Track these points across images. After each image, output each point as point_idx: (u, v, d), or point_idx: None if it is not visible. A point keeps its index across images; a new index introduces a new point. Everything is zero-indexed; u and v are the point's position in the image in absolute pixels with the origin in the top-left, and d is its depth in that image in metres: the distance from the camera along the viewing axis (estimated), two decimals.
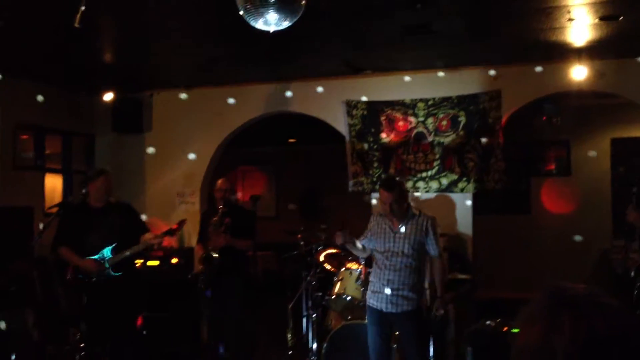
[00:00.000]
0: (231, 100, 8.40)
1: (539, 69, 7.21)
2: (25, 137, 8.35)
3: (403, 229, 5.06)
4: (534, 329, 1.43)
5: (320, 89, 8.05)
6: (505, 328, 5.06)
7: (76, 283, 5.62)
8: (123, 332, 5.61)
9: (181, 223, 5.93)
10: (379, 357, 5.09)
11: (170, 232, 5.78)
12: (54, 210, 6.08)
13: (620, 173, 9.78)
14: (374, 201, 7.74)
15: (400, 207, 5.06)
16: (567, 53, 6.81)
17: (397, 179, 5.33)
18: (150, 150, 8.60)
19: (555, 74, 7.19)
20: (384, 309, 5.02)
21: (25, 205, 7.39)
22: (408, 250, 5.01)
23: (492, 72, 7.41)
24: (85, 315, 5.78)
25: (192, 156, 8.61)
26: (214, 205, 6.69)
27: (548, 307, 1.44)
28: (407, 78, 7.77)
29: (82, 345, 5.85)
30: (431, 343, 5.87)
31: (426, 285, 5.38)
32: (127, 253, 5.54)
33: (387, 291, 4.99)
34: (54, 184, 8.74)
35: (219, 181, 6.72)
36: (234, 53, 7.03)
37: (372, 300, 5.13)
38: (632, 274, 4.81)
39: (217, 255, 6.18)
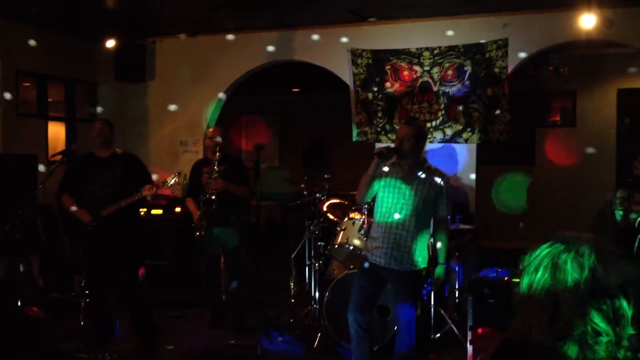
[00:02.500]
0: (234, 47, 8.30)
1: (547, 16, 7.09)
2: (27, 84, 8.30)
3: (415, 181, 4.68)
4: (537, 277, 1.44)
5: (324, 37, 7.95)
6: (507, 278, 5.10)
7: (76, 230, 5.65)
8: (123, 282, 5.64)
9: (177, 176, 5.95)
10: (359, 312, 4.75)
11: (163, 184, 5.78)
12: (57, 158, 6.09)
13: (626, 124, 9.72)
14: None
15: (411, 149, 4.64)
16: (576, 0, 6.68)
17: (420, 123, 4.92)
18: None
19: (564, 22, 7.07)
20: (383, 264, 4.66)
21: (28, 153, 7.38)
22: (418, 204, 4.63)
23: (500, 20, 7.28)
24: (86, 262, 5.83)
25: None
26: (205, 154, 6.72)
27: (551, 254, 1.44)
28: (413, 26, 7.65)
29: (87, 292, 5.92)
30: (432, 293, 5.92)
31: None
32: (122, 203, 5.52)
33: (389, 244, 4.66)
34: (57, 132, 8.73)
35: (210, 129, 6.74)
36: None
37: (370, 255, 4.77)
38: (637, 223, 4.78)
39: (214, 198, 6.22)
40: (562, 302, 1.38)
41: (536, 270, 1.44)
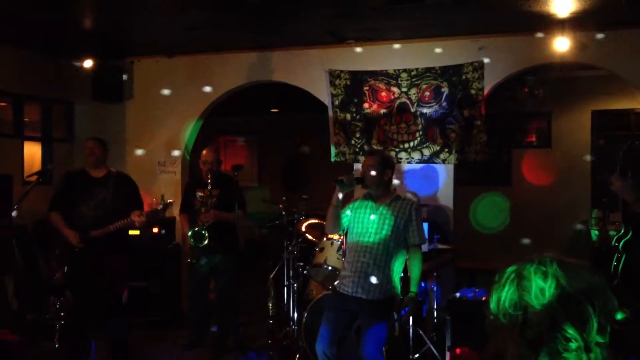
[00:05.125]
0: (212, 68, 8.32)
1: (522, 39, 7.20)
2: (3, 104, 8.23)
3: (383, 210, 4.71)
4: (504, 291, 1.47)
5: (303, 58, 7.99)
6: (484, 298, 5.12)
7: (64, 250, 5.61)
8: (107, 304, 5.58)
9: (166, 205, 5.89)
10: (326, 345, 4.69)
11: (154, 213, 5.75)
12: (33, 178, 6.03)
13: (600, 145, 9.87)
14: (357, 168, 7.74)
15: (377, 177, 4.71)
16: (551, 24, 6.79)
17: (385, 152, 5.04)
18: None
19: (539, 46, 7.18)
20: (351, 293, 4.63)
21: (3, 174, 7.29)
22: (387, 232, 4.64)
23: (476, 43, 7.38)
24: (70, 284, 5.76)
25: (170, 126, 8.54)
26: (199, 175, 6.60)
27: (516, 268, 1.48)
28: (390, 48, 7.72)
29: (62, 314, 5.84)
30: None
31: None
32: (110, 227, 5.51)
33: (358, 273, 4.63)
34: (33, 152, 8.64)
35: (204, 152, 6.56)
36: (217, 20, 6.94)
37: (340, 285, 4.76)
38: (614, 242, 4.80)
39: (206, 232, 6.10)
40: (530, 311, 1.41)
41: (503, 286, 1.47)
